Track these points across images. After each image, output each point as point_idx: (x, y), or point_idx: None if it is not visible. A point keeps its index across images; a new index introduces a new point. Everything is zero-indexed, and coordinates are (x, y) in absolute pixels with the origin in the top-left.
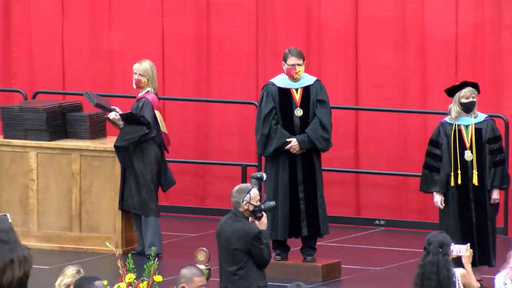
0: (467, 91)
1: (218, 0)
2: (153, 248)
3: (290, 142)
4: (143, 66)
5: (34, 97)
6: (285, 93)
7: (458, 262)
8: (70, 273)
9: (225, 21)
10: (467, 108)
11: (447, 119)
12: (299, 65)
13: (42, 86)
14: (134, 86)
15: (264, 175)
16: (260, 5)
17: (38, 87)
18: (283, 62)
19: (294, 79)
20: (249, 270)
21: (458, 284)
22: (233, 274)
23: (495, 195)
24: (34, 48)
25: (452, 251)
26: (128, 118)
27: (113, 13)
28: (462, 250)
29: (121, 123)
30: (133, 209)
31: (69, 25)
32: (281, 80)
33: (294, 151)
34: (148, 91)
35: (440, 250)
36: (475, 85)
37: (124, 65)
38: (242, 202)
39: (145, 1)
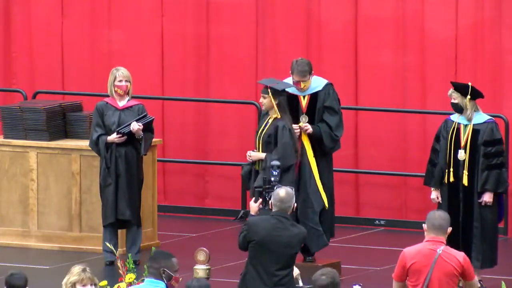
0: (449, 92)
1: (218, 0)
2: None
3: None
4: (127, 72)
5: (34, 97)
6: (292, 99)
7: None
8: (76, 271)
9: (225, 21)
10: (453, 108)
11: (451, 116)
12: (304, 81)
13: (42, 86)
14: (121, 93)
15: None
16: (260, 5)
17: (38, 87)
18: (290, 71)
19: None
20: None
21: None
22: (285, 277)
23: (486, 198)
24: (34, 48)
25: None
26: (149, 125)
27: (113, 13)
28: None
29: (141, 133)
30: (135, 220)
31: (69, 25)
32: None
33: (308, 130)
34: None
35: None
36: (457, 87)
37: (124, 65)
38: (293, 205)
39: (145, 1)
